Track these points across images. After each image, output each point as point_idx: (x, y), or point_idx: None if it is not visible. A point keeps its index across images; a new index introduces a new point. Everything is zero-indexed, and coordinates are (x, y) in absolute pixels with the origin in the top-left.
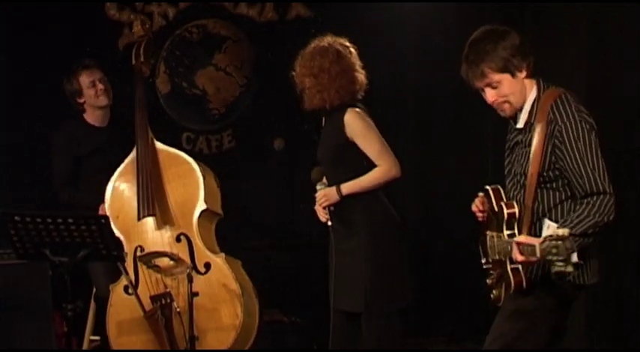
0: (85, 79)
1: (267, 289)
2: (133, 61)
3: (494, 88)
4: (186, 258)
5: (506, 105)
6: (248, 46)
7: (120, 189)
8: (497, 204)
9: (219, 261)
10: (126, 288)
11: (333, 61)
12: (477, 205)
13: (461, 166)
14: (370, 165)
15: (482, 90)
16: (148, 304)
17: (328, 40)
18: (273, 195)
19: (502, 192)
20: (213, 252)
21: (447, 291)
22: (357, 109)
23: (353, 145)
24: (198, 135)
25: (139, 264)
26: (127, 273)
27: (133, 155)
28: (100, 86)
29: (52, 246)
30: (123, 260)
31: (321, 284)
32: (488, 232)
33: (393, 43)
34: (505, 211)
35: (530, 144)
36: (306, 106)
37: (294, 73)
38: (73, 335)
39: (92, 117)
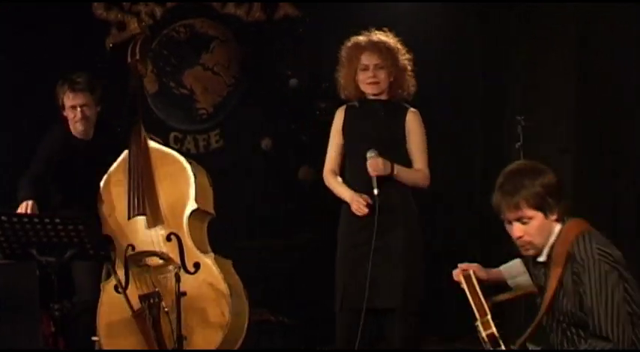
0: (67, 101)
1: (257, 289)
2: (129, 59)
3: (523, 223)
4: (176, 257)
5: (530, 247)
6: (236, 46)
7: (112, 188)
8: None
9: (208, 261)
10: (116, 287)
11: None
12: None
13: (450, 167)
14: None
15: (510, 222)
16: (136, 303)
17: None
18: (261, 195)
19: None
20: (204, 251)
21: (437, 291)
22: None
23: (403, 144)
24: (186, 135)
25: (128, 262)
26: (115, 273)
27: (125, 153)
28: (79, 115)
29: (39, 246)
30: (110, 260)
31: (310, 284)
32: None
33: None
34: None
35: (549, 277)
36: (385, 97)
37: (379, 63)
38: (60, 335)
39: (73, 129)
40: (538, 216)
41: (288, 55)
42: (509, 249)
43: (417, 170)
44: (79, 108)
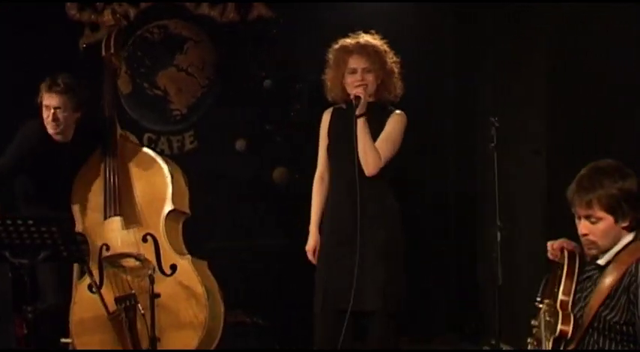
0: (44, 100)
1: (232, 290)
2: (103, 52)
3: (592, 222)
4: (152, 258)
5: (593, 247)
6: (210, 47)
7: (85, 186)
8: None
9: (185, 262)
10: (90, 286)
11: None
12: (553, 250)
13: (424, 168)
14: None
15: (579, 218)
16: (112, 305)
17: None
18: (236, 197)
19: (577, 261)
20: (180, 253)
21: (414, 292)
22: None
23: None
24: (160, 136)
25: (104, 264)
26: (91, 274)
27: (99, 151)
28: (51, 116)
29: (12, 248)
30: (84, 261)
31: (285, 285)
32: (546, 301)
33: None
34: (559, 327)
35: (598, 284)
36: (372, 99)
37: (367, 67)
38: (32, 337)
39: (48, 129)
40: (608, 219)
41: (262, 56)
42: (482, 251)
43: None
44: (52, 110)
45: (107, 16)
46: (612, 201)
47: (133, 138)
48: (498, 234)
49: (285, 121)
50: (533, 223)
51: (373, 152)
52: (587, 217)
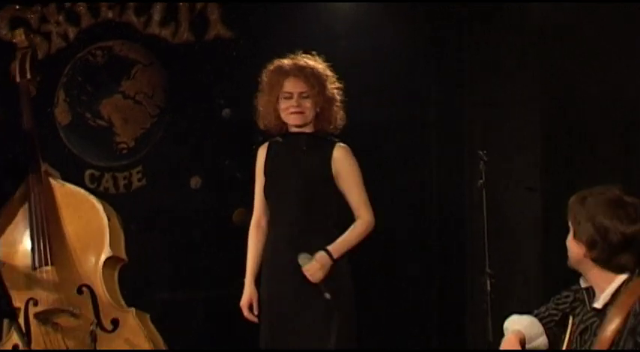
0: None
1: (181, 346)
2: (18, 78)
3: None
4: (90, 313)
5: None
6: (161, 71)
7: (6, 232)
8: None
9: (129, 316)
10: (16, 348)
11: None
12: None
13: (401, 209)
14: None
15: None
16: None
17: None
18: (190, 241)
19: None
20: (121, 305)
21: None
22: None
23: (332, 184)
24: (104, 173)
25: (33, 321)
26: (22, 333)
27: (21, 191)
28: None
29: None
30: (15, 316)
31: (242, 338)
32: None
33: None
34: None
35: (598, 333)
36: (310, 129)
37: (304, 92)
38: None
39: None
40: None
41: (220, 82)
42: (471, 301)
43: (357, 224)
44: None
45: (19, 37)
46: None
47: (57, 174)
48: (488, 282)
49: (246, 155)
50: (528, 269)
51: (363, 230)
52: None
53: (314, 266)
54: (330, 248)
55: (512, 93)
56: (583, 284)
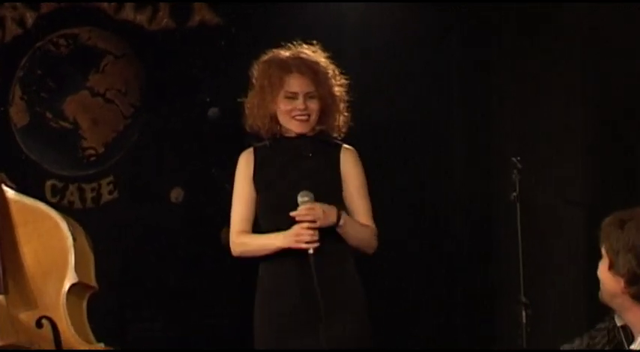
0: None
1: None
2: None
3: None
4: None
5: None
6: (135, 64)
7: None
8: None
9: None
10: None
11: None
12: None
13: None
14: None
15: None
16: None
17: None
18: (169, 263)
19: None
20: (89, 340)
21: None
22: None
23: (340, 188)
24: (68, 184)
25: None
26: None
27: None
28: None
29: None
30: None
31: None
32: None
33: None
34: None
35: None
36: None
37: (311, 92)
38: None
39: None
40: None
41: (206, 76)
42: (501, 335)
43: (365, 225)
44: None
45: None
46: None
47: (12, 185)
48: (523, 313)
49: (235, 161)
50: (569, 297)
51: (368, 235)
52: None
53: (312, 207)
54: (343, 212)
55: (551, 93)
56: (618, 322)
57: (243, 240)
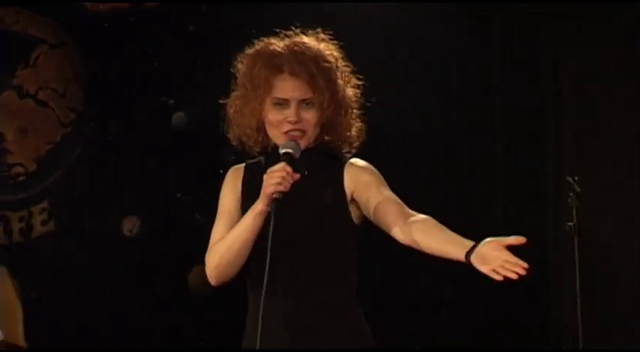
0: None
1: None
2: None
3: None
4: None
5: None
6: (76, 56)
7: None
8: None
9: None
10: None
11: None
12: None
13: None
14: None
15: None
16: None
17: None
18: (120, 306)
19: None
20: None
21: None
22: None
23: (351, 224)
24: None
25: None
26: None
27: None
28: None
29: None
30: None
31: None
32: None
33: None
34: None
35: None
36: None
37: (307, 98)
38: None
39: None
40: None
41: (169, 72)
42: None
43: (422, 219)
44: None
45: None
46: None
47: None
48: None
49: (209, 184)
50: (636, 342)
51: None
52: None
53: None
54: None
55: (614, 106)
56: None
57: (214, 248)
